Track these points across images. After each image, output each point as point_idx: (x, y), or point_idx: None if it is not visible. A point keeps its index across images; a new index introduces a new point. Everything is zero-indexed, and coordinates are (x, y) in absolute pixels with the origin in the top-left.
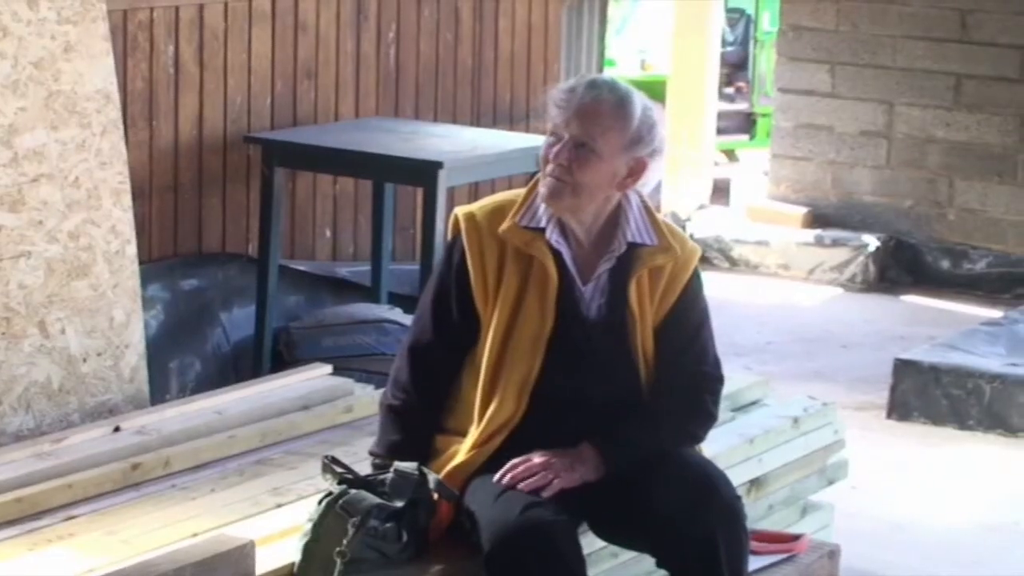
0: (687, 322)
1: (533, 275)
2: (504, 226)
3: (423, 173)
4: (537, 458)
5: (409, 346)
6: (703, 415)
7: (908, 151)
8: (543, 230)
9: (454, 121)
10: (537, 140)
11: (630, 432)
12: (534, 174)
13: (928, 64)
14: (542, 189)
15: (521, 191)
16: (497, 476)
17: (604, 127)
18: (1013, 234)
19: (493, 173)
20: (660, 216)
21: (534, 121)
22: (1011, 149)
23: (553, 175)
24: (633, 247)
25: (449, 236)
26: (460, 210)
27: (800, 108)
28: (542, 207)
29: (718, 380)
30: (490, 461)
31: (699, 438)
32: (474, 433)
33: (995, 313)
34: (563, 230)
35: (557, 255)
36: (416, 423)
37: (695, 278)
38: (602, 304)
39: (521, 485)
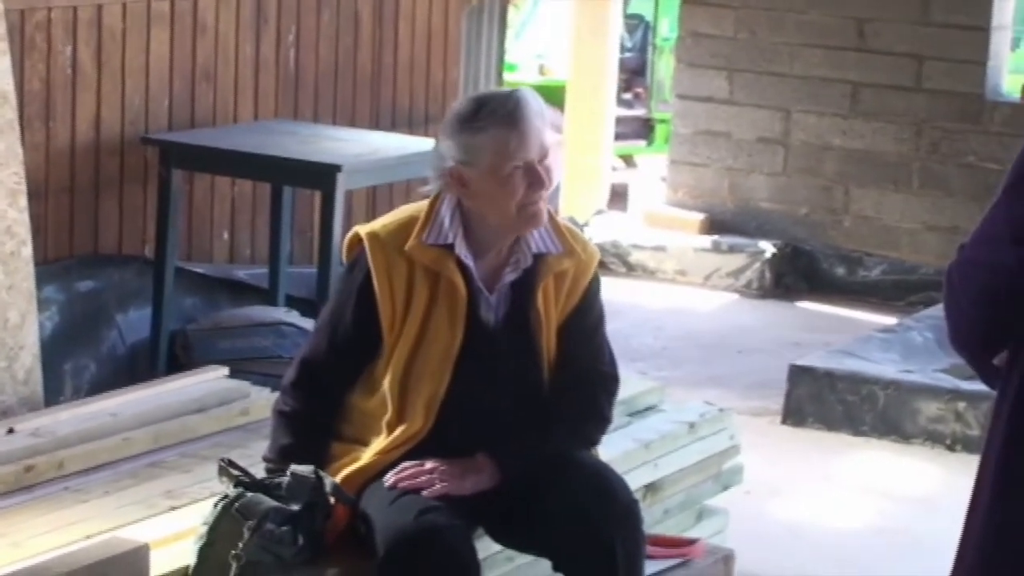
0: (586, 322)
1: (441, 292)
2: (410, 244)
3: (322, 176)
4: (428, 464)
5: (303, 358)
6: (598, 418)
7: (805, 158)
8: (450, 246)
9: (353, 125)
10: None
11: (526, 438)
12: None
13: (825, 72)
14: (529, 222)
15: (419, 205)
16: (386, 478)
17: (552, 131)
18: (907, 242)
19: (392, 177)
20: (561, 221)
21: (433, 125)
22: (906, 157)
23: (540, 201)
24: (538, 257)
25: (346, 254)
26: (362, 229)
27: (698, 114)
28: (447, 222)
29: (614, 380)
30: (390, 467)
31: (595, 441)
32: (379, 443)
33: (889, 320)
34: (470, 245)
35: (465, 270)
36: (307, 430)
37: (595, 280)
38: (510, 315)
39: (404, 484)
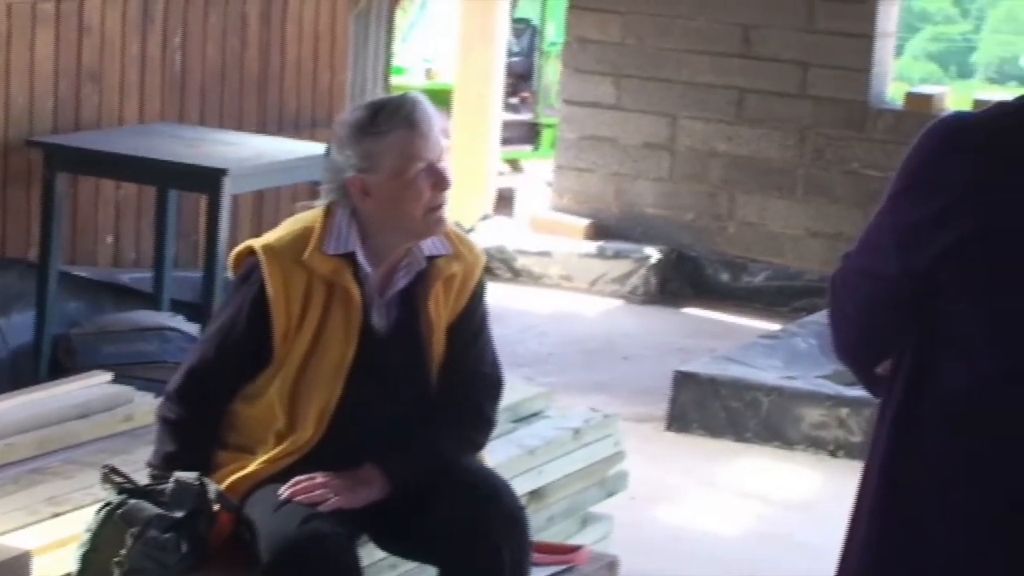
0: (471, 325)
1: (337, 302)
2: (309, 255)
3: (208, 180)
4: (320, 477)
5: (190, 366)
6: (483, 421)
7: (690, 164)
8: (349, 255)
9: (240, 128)
10: (322, 148)
11: (413, 446)
12: (317, 183)
13: (711, 78)
14: (435, 226)
15: (310, 216)
16: (279, 492)
17: (445, 133)
18: (791, 248)
19: (278, 181)
20: (448, 224)
21: (320, 129)
22: (791, 164)
23: (445, 204)
24: (430, 260)
25: (235, 267)
26: (257, 243)
27: (584, 120)
28: (345, 231)
29: (498, 383)
30: (276, 475)
31: (480, 444)
32: (267, 451)
33: (773, 326)
34: (367, 253)
35: (360, 278)
36: (192, 437)
37: (481, 283)
38: (401, 321)
39: (298, 498)
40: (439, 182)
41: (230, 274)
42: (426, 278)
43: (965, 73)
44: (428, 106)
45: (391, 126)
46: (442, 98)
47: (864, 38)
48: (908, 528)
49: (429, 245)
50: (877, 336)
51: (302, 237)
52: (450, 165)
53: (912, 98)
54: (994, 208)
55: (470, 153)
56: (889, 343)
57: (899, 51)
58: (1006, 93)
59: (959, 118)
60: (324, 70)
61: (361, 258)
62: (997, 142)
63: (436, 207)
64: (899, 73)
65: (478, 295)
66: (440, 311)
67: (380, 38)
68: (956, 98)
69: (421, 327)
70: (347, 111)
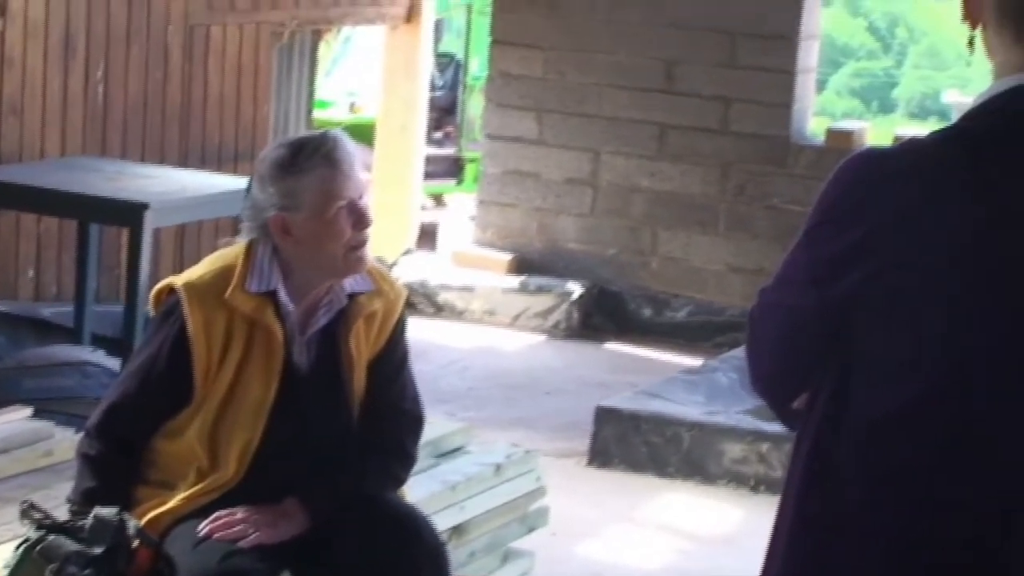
0: (392, 361)
1: (258, 340)
2: (231, 293)
3: (129, 214)
4: (240, 513)
5: (111, 403)
6: (404, 457)
7: (613, 199)
8: (271, 293)
9: (162, 161)
10: (246, 181)
11: (334, 481)
12: (240, 218)
13: (633, 114)
14: (358, 262)
15: (231, 253)
16: (199, 528)
17: (367, 167)
18: (714, 283)
19: (200, 215)
20: (369, 260)
21: (242, 163)
22: (713, 199)
23: (366, 243)
24: (351, 297)
25: (155, 304)
26: (178, 280)
27: (507, 155)
28: (267, 269)
29: (419, 419)
30: (197, 511)
31: (401, 480)
32: (188, 487)
33: (695, 361)
34: (289, 291)
35: (282, 316)
36: (112, 473)
37: (402, 319)
38: (322, 358)
39: (218, 535)
40: (360, 220)
41: (151, 310)
42: (347, 315)
43: (887, 108)
44: (348, 144)
45: (312, 164)
46: (366, 132)
47: (785, 74)
48: (820, 563)
49: (350, 282)
50: (794, 370)
51: (223, 275)
52: (371, 200)
53: (833, 134)
54: (908, 240)
55: (393, 187)
56: (806, 377)
57: (821, 86)
58: (927, 128)
59: (875, 152)
60: (247, 104)
61: (283, 296)
62: (912, 176)
63: (357, 245)
64: (821, 108)
65: (399, 332)
66: (361, 348)
67: (303, 72)
68: (877, 134)
69: (342, 364)
70: (268, 149)
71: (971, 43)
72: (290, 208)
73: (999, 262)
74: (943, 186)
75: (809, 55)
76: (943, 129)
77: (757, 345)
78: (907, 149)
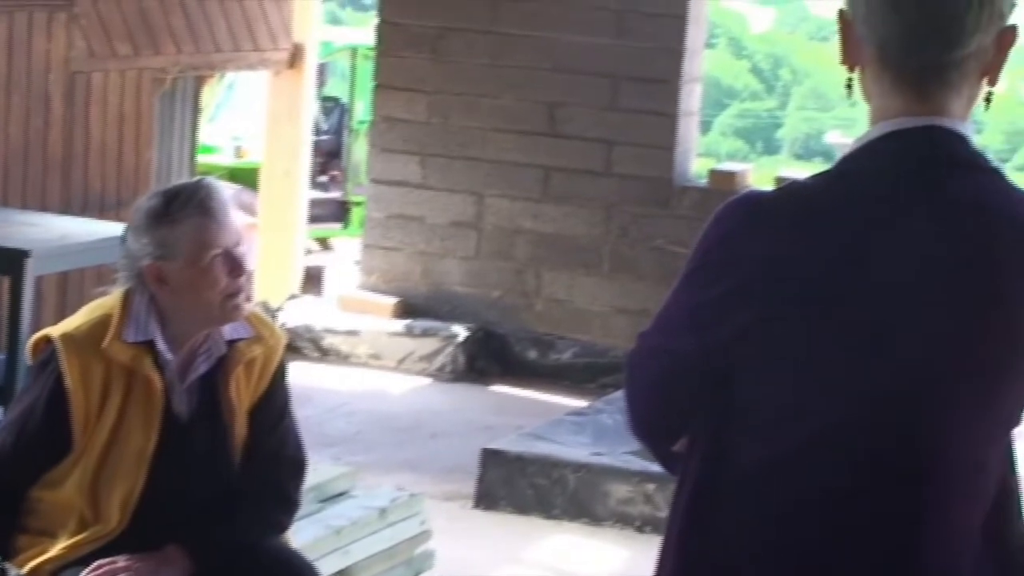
0: (273, 407)
1: (137, 390)
2: (108, 343)
3: (10, 262)
4: (122, 561)
5: None
6: (287, 503)
7: (497, 242)
8: (149, 343)
9: (44, 209)
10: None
11: (217, 528)
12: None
13: (517, 157)
14: (235, 310)
15: (109, 302)
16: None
17: (246, 213)
18: (599, 324)
19: (83, 262)
20: (248, 306)
21: (125, 210)
22: (597, 241)
23: (243, 291)
24: (230, 344)
25: (33, 355)
26: (54, 331)
27: (392, 199)
28: (144, 318)
29: (301, 464)
30: (80, 559)
31: (284, 526)
32: (70, 536)
33: (581, 403)
34: (167, 339)
35: (161, 365)
36: None
37: (282, 365)
38: (203, 406)
39: None
40: (236, 268)
41: (29, 360)
42: (227, 362)
43: (772, 149)
44: (223, 192)
45: (185, 214)
46: (251, 176)
47: (668, 117)
48: None
49: (229, 329)
50: (672, 414)
51: (101, 325)
52: (254, 245)
53: (716, 175)
54: (788, 285)
55: (277, 232)
56: (684, 421)
57: (706, 127)
58: (812, 169)
59: (753, 197)
60: (129, 150)
61: (161, 345)
62: (790, 220)
63: (234, 293)
64: (706, 149)
65: (279, 378)
66: (241, 395)
67: (186, 118)
68: (760, 175)
69: (223, 412)
70: (142, 198)
71: (849, 86)
72: (165, 257)
73: (879, 305)
74: (822, 230)
75: (691, 98)
76: (822, 173)
77: (636, 389)
78: (786, 193)
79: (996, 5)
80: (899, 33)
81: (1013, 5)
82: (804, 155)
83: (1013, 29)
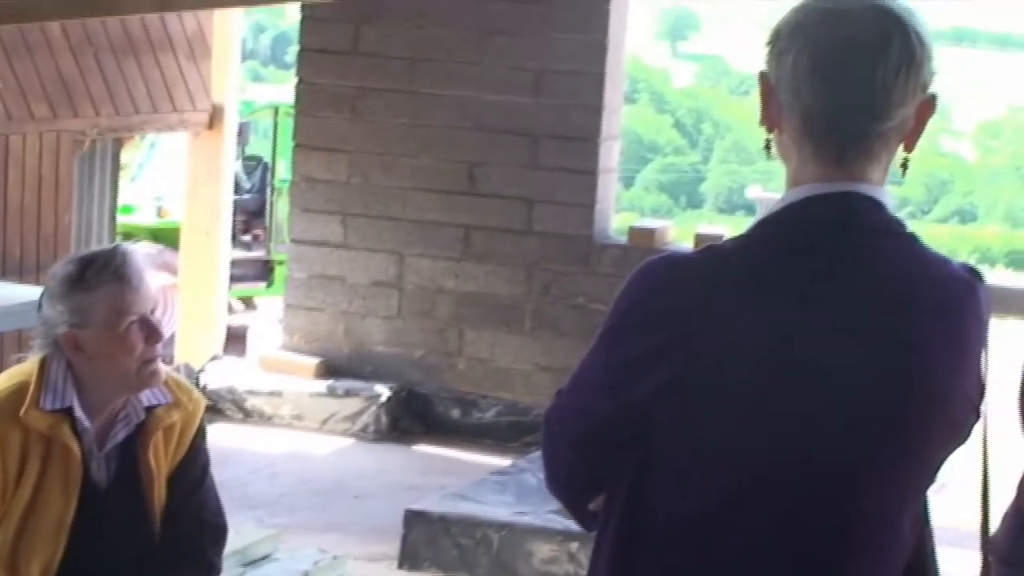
0: (192, 472)
1: (56, 458)
2: (25, 412)
3: None
4: None
5: None
6: (208, 567)
7: (419, 302)
8: (67, 410)
9: None
10: None
11: None
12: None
13: (438, 216)
14: (149, 380)
15: (25, 369)
16: None
17: (168, 274)
18: (521, 383)
19: (3, 326)
20: (166, 371)
21: (44, 273)
22: (519, 299)
23: (159, 357)
24: (149, 410)
25: None
26: None
27: (313, 259)
28: (61, 385)
29: (222, 529)
30: None
31: None
32: None
33: (504, 462)
34: (84, 406)
35: (79, 433)
36: None
37: (201, 429)
38: (122, 473)
39: None
40: (152, 335)
41: None
42: (145, 429)
43: (695, 203)
44: (138, 258)
45: (100, 281)
46: (173, 236)
47: (587, 174)
48: None
49: (148, 395)
50: (590, 473)
51: (17, 393)
52: (171, 309)
53: (636, 232)
54: (702, 346)
55: (199, 292)
56: (601, 479)
57: (629, 182)
58: (734, 222)
59: (670, 258)
60: (48, 213)
61: (79, 412)
62: (708, 284)
63: (150, 359)
64: (630, 203)
65: (198, 442)
66: (160, 461)
67: (105, 180)
68: (680, 231)
69: (142, 478)
70: (57, 265)
71: (768, 146)
72: (81, 324)
73: (797, 368)
74: (740, 294)
75: (610, 155)
76: (740, 236)
77: (553, 448)
78: (704, 256)
79: (920, 77)
80: (825, 105)
81: (934, 74)
82: (727, 209)
83: (933, 99)
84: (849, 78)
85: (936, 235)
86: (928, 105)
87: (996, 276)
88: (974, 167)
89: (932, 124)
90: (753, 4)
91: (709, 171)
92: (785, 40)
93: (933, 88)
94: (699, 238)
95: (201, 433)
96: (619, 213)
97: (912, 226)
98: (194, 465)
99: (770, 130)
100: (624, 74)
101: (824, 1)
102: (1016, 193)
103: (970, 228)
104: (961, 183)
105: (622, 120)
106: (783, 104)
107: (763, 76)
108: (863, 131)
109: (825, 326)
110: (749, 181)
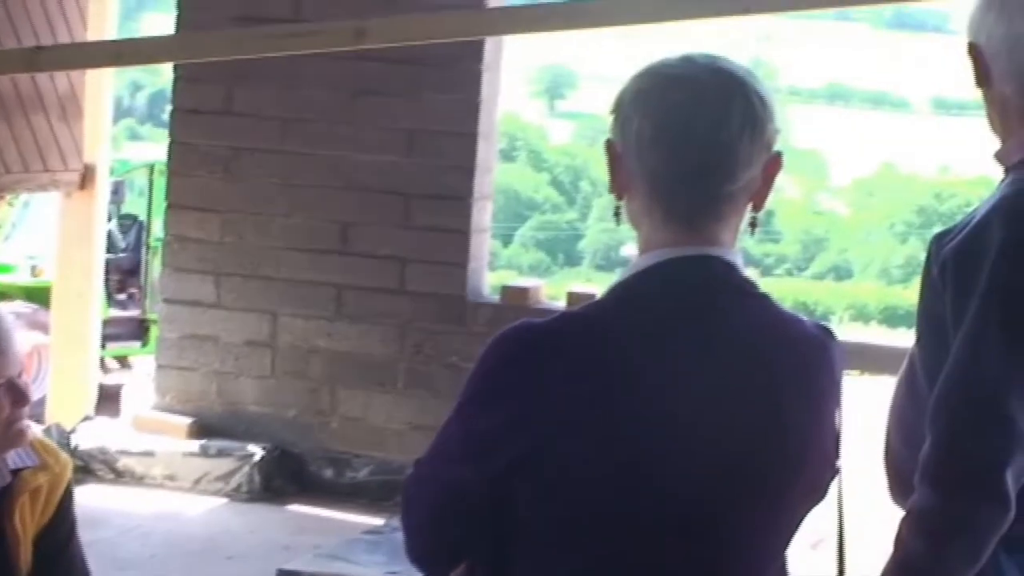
0: (59, 534)
1: None
2: None
3: None
4: None
5: None
6: None
7: (292, 361)
8: None
9: None
10: None
11: None
12: None
13: (311, 275)
14: (15, 440)
15: None
16: None
17: (45, 330)
18: (395, 442)
19: None
20: (32, 432)
21: None
22: (392, 358)
23: (24, 417)
24: (15, 473)
25: None
26: None
27: (185, 319)
28: None
29: None
30: None
31: None
32: None
33: (377, 521)
34: None
35: None
36: None
37: (68, 492)
38: None
39: None
40: (19, 398)
41: None
42: (11, 492)
43: (573, 261)
44: (6, 321)
45: None
46: (47, 295)
47: (460, 234)
48: None
49: (13, 457)
50: (449, 543)
51: None
52: (46, 364)
53: (509, 291)
54: (563, 415)
55: (71, 353)
56: (460, 549)
57: (507, 240)
58: (612, 280)
59: (527, 326)
60: None
61: None
62: (565, 350)
63: (16, 421)
64: (508, 261)
65: (65, 505)
66: (26, 524)
67: None
68: (555, 289)
69: (7, 542)
70: None
71: (617, 214)
72: None
73: (656, 434)
74: (597, 360)
75: (483, 215)
76: (597, 301)
77: (412, 517)
78: (561, 323)
79: (764, 137)
80: (671, 170)
81: (778, 132)
82: (606, 266)
83: (778, 156)
84: (693, 142)
85: (812, 292)
86: (774, 163)
87: (871, 333)
88: (850, 224)
89: (808, 182)
90: (628, 63)
91: (587, 229)
92: (628, 107)
93: (777, 146)
94: (572, 297)
95: (68, 495)
96: (497, 271)
97: (789, 283)
98: (61, 528)
99: (619, 197)
100: (497, 133)
101: (665, 67)
102: (891, 250)
103: (846, 285)
104: (837, 240)
105: (495, 179)
106: (631, 171)
107: (609, 144)
108: (710, 194)
109: (684, 389)
110: (627, 239)
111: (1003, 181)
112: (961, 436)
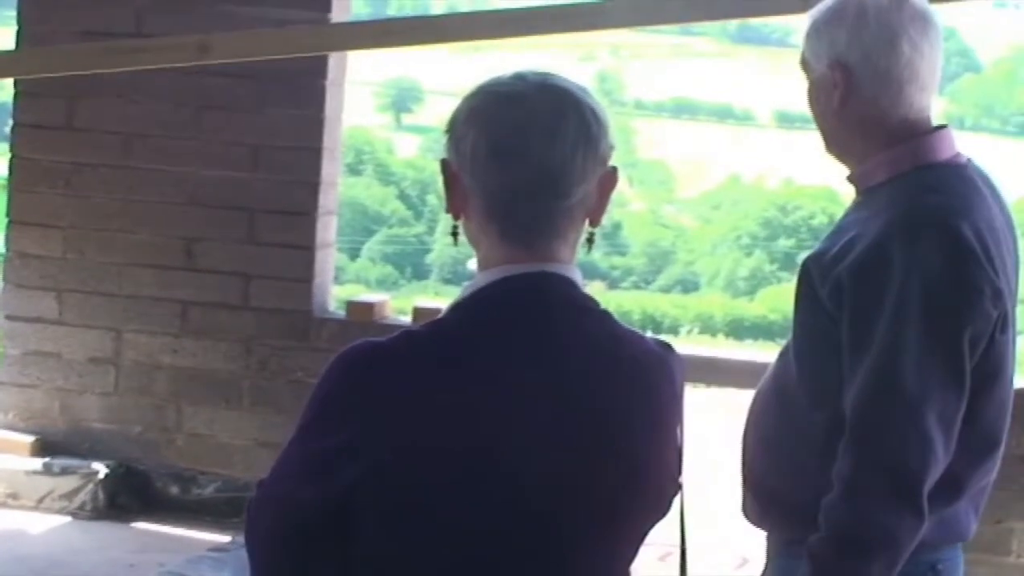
0: None
1: None
2: None
3: None
4: None
5: None
6: None
7: (136, 378)
8: None
9: None
10: None
11: None
12: None
13: (155, 291)
14: None
15: None
16: None
17: None
18: (240, 459)
19: None
20: None
21: None
22: (237, 375)
23: None
24: None
25: None
26: None
27: (28, 335)
28: None
29: None
30: None
31: None
32: None
33: (224, 538)
34: None
35: None
36: None
37: None
38: None
39: None
40: None
41: None
42: None
43: (421, 274)
44: None
45: None
46: None
47: (304, 249)
48: None
49: None
50: (292, 568)
51: None
52: None
53: (354, 307)
54: (402, 437)
55: None
56: (307, 572)
57: (355, 254)
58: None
59: (366, 347)
60: None
61: None
62: (404, 371)
63: None
64: (356, 275)
65: None
66: None
67: None
68: (401, 303)
69: None
70: None
71: (455, 233)
72: None
73: (494, 453)
74: (436, 379)
75: (328, 230)
76: (436, 321)
77: (255, 540)
78: (399, 343)
79: (599, 152)
80: (506, 187)
81: (612, 148)
82: (453, 279)
83: (614, 172)
84: (527, 159)
85: (659, 305)
86: (609, 178)
87: (717, 346)
88: (696, 236)
89: (655, 195)
90: (475, 77)
91: (434, 243)
92: (462, 126)
93: (612, 161)
94: (418, 312)
95: None
96: (344, 285)
97: (636, 296)
98: None
99: (456, 217)
100: (342, 148)
101: (498, 85)
102: (736, 262)
103: (692, 298)
104: (683, 253)
105: (341, 193)
106: (467, 189)
107: (445, 164)
108: (546, 210)
109: (520, 409)
110: (473, 253)
111: (860, 202)
112: (889, 452)
